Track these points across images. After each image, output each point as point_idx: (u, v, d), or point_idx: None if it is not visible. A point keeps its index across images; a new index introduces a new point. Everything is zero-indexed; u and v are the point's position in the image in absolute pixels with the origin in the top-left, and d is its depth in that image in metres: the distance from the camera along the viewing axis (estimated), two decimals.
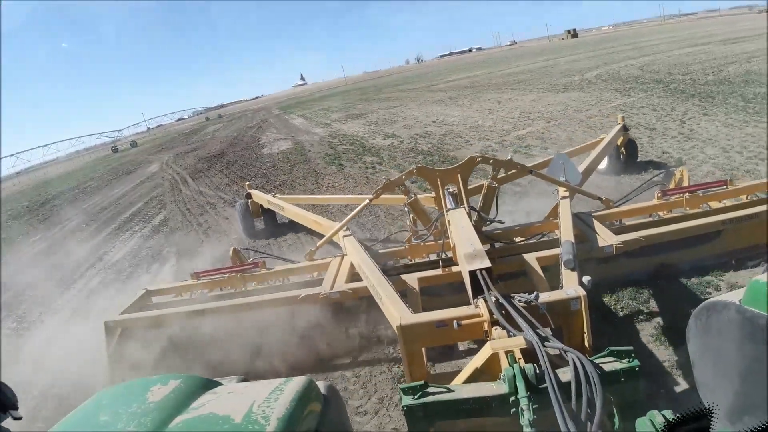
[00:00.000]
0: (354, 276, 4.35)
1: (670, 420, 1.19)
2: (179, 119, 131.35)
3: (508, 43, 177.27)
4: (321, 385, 1.92)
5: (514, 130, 13.24)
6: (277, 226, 8.05)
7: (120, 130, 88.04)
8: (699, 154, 8.19)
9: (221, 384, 1.84)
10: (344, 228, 5.01)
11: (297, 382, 1.73)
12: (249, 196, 8.04)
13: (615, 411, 2.13)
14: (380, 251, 4.91)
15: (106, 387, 1.80)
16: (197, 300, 4.77)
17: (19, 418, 1.75)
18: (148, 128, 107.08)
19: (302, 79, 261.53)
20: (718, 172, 7.19)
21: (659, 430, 1.53)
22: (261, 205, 7.82)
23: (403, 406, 2.13)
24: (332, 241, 5.07)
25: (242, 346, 4.08)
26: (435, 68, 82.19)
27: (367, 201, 5.03)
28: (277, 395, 1.61)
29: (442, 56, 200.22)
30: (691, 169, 7.58)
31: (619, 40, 54.69)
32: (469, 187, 4.73)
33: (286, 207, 6.80)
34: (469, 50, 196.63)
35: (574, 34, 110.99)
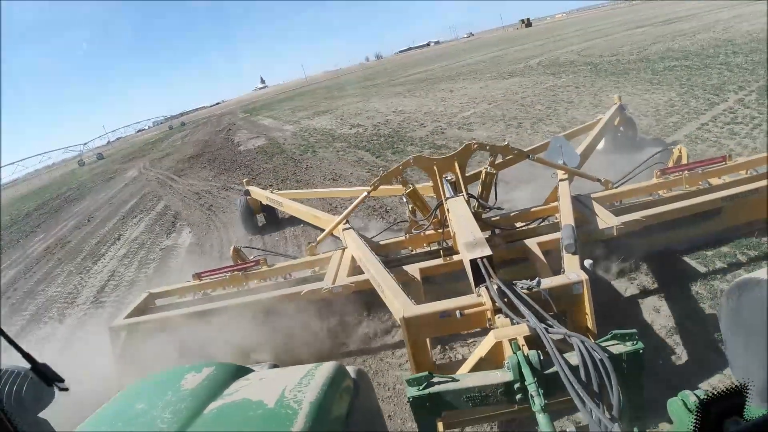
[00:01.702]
0: (356, 269, 4.33)
1: (702, 399, 1.12)
2: (139, 130, 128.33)
3: (465, 36, 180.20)
4: (350, 369, 1.94)
5: (461, 112, 15.37)
6: (279, 221, 8.18)
7: (85, 144, 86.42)
8: (599, 116, 10.37)
9: (253, 371, 1.89)
10: (344, 221, 5.00)
11: (327, 368, 1.75)
12: (247, 193, 7.91)
13: (620, 393, 2.12)
14: (381, 242, 4.93)
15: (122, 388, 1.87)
16: (200, 300, 4.80)
17: (66, 389, 1.80)
18: (108, 141, 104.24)
19: (262, 82, 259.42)
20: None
21: (692, 410, 1.49)
22: (261, 201, 7.73)
23: (408, 398, 2.15)
24: (333, 234, 5.15)
25: (249, 344, 4.12)
26: (394, 64, 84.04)
27: (366, 194, 4.96)
28: (308, 380, 1.64)
29: (401, 51, 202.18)
30: (584, 122, 9.80)
31: (568, 28, 57.46)
32: (467, 175, 4.69)
33: (285, 202, 6.82)
34: (428, 44, 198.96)
35: (528, 24, 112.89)
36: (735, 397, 0.95)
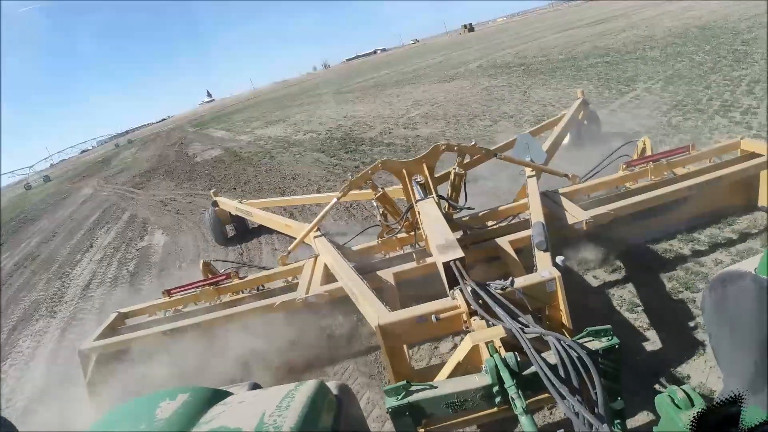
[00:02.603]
0: (329, 277, 4.27)
1: (698, 413, 1.15)
2: (84, 151, 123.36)
3: (411, 42, 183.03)
4: (332, 385, 1.92)
5: (406, 114, 16.66)
6: (249, 231, 8.20)
7: (31, 167, 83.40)
8: (526, 110, 11.89)
9: (231, 393, 1.85)
10: (315, 229, 4.95)
11: (308, 387, 1.72)
12: (216, 204, 7.85)
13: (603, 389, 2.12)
14: (353, 248, 4.88)
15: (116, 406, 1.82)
16: (171, 318, 4.67)
17: None
18: (52, 164, 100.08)
19: (209, 95, 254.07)
20: (533, 116, 10.78)
21: (680, 406, 1.55)
22: (230, 212, 7.64)
23: (387, 408, 2.13)
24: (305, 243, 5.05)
25: (224, 360, 4.03)
26: (342, 72, 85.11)
27: (335, 200, 4.92)
28: (288, 402, 1.60)
29: (348, 60, 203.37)
30: (512, 115, 11.21)
31: (508, 31, 59.93)
32: (436, 176, 4.70)
33: (254, 212, 6.77)
34: (374, 52, 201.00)
35: (470, 29, 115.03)
36: (730, 407, 0.96)
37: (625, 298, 4.15)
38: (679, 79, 11.73)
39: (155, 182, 18.61)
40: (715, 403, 1.01)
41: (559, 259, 3.32)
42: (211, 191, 8.34)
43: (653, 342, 3.57)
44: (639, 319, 3.84)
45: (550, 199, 4.61)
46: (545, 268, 3.15)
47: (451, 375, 2.49)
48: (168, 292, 4.85)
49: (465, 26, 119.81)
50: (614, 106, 10.49)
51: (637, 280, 4.30)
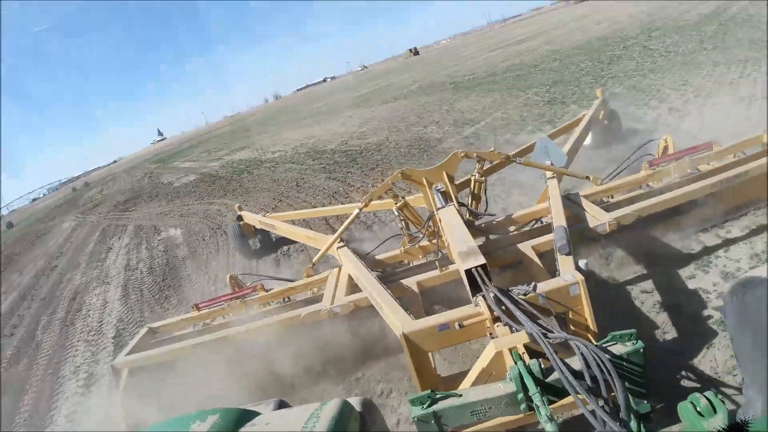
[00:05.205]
0: (353, 287, 4.30)
1: (713, 402, 1.16)
2: (34, 199, 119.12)
3: (359, 69, 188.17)
4: (356, 401, 1.96)
5: (358, 129, 20.12)
6: (273, 243, 8.50)
7: None
8: (448, 117, 15.54)
9: (258, 413, 1.92)
10: (338, 240, 5.03)
11: (332, 406, 1.76)
12: (240, 218, 8.16)
13: (627, 394, 2.08)
14: (376, 257, 4.95)
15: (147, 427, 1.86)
16: (200, 332, 4.77)
17: None
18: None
19: (160, 134, 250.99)
20: (453, 120, 14.29)
21: (703, 413, 1.53)
22: (254, 226, 8.01)
23: (413, 417, 2.17)
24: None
25: (254, 374, 4.09)
26: (294, 101, 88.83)
27: (357, 211, 5.01)
28: (314, 422, 1.65)
29: (298, 90, 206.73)
30: (438, 121, 14.77)
31: (449, 53, 64.99)
32: (457, 183, 4.75)
33: (278, 225, 6.96)
34: (324, 80, 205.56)
35: (415, 52, 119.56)
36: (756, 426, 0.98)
37: (648, 295, 4.19)
38: (561, 83, 15.53)
39: (143, 204, 20.59)
40: (738, 420, 1.04)
41: (581, 262, 3.33)
42: (236, 206, 8.52)
43: (670, 334, 3.63)
44: (662, 319, 3.84)
45: (571, 201, 4.64)
46: (568, 272, 3.17)
47: (476, 382, 2.53)
48: (197, 306, 4.97)
49: (410, 50, 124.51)
50: (509, 107, 14.15)
51: (661, 278, 4.34)
